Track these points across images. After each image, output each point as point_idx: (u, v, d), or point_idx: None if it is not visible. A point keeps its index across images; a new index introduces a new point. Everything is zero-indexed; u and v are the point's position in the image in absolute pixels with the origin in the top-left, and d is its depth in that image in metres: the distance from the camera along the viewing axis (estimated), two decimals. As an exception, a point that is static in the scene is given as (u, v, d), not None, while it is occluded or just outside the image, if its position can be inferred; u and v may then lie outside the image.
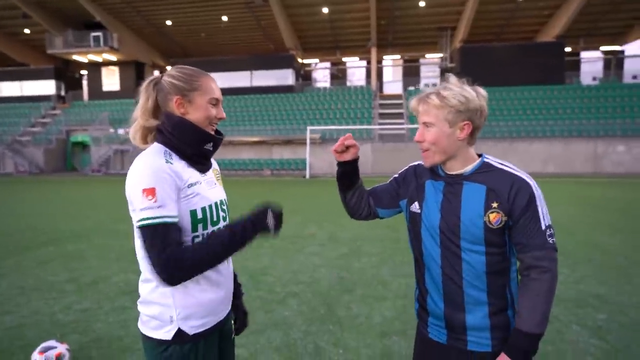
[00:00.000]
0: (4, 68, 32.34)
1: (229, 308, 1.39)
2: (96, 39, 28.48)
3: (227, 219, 1.37)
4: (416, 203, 1.38)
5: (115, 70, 31.86)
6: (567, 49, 27.63)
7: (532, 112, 23.88)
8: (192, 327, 1.24)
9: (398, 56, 33.73)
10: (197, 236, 1.23)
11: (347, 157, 1.45)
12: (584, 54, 31.35)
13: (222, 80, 29.74)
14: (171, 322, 1.22)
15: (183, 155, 1.26)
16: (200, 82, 1.27)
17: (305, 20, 28.20)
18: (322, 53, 33.38)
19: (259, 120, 26.45)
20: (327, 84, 34.04)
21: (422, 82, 32.43)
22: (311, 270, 4.84)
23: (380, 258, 5.34)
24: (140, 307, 1.27)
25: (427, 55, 33.12)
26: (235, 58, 30.37)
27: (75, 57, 30.33)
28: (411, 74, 33.33)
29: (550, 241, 1.21)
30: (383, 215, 1.53)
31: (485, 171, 1.28)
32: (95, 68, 31.96)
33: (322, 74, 36.27)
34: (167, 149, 1.24)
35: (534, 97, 24.75)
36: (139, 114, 1.29)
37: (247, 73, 29.63)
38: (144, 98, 1.29)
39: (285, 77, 29.36)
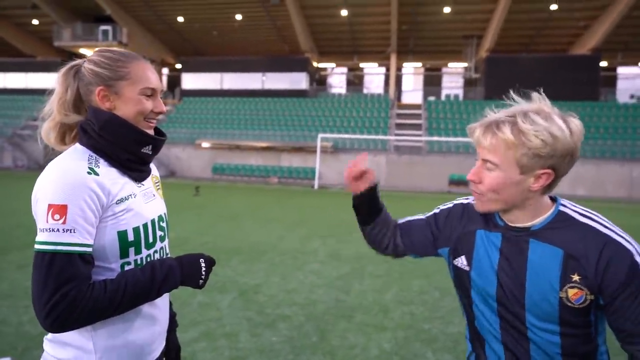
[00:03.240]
0: (9, 59, 33.21)
1: (164, 343, 1.23)
2: (105, 32, 29.09)
3: (166, 238, 1.21)
4: (462, 258, 1.13)
5: (123, 66, 32.39)
6: (603, 64, 27.18)
7: (562, 129, 23.44)
8: None
9: (419, 64, 33.63)
10: (128, 262, 1.06)
11: (362, 186, 1.25)
12: (621, 70, 30.81)
13: (233, 81, 30.08)
14: None
15: (114, 161, 1.08)
16: (128, 68, 1.09)
17: (323, 22, 28.37)
18: (338, 57, 33.48)
19: (268, 125, 26.52)
20: (343, 90, 34.07)
21: (444, 92, 32.22)
22: (308, 290, 4.67)
23: (384, 281, 5.14)
24: (48, 347, 1.08)
25: (450, 64, 32.95)
26: (247, 59, 30.67)
27: (83, 51, 30.95)
28: (432, 83, 33.19)
29: None
30: (415, 257, 1.30)
31: (562, 226, 1.00)
32: (102, 63, 32.53)
33: (337, 80, 36.35)
34: (92, 153, 1.06)
35: (564, 114, 24.29)
36: (56, 107, 1.12)
37: (259, 75, 29.87)
38: (61, 88, 1.12)
39: (299, 80, 29.49)
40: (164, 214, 1.23)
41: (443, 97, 30.26)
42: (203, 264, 1.12)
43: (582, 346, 1.01)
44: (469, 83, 31.09)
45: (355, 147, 23.96)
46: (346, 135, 23.13)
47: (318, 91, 30.79)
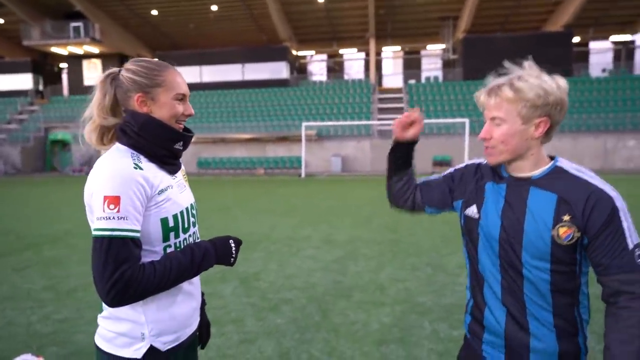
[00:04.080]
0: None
1: (199, 318, 1.40)
2: (76, 29, 28.29)
3: (197, 224, 1.36)
4: (474, 207, 1.30)
5: (97, 63, 31.63)
6: (576, 39, 27.76)
7: (539, 106, 23.99)
8: (164, 344, 1.22)
9: (398, 48, 33.76)
10: (169, 245, 1.21)
11: (408, 135, 1.43)
12: (593, 44, 31.52)
13: (212, 73, 29.72)
14: (142, 340, 1.19)
15: (152, 157, 1.22)
16: (163, 76, 1.22)
17: (300, 9, 28.15)
18: (318, 45, 33.35)
19: (251, 116, 26.40)
20: (324, 78, 34.05)
21: (424, 74, 32.48)
22: (306, 274, 4.84)
23: (379, 261, 5.35)
24: (104, 323, 1.23)
25: (428, 47, 33.17)
26: (225, 50, 30.30)
27: (54, 49, 30.10)
28: (412, 66, 33.39)
29: None
30: (430, 212, 1.48)
31: (558, 177, 1.18)
32: (76, 61, 31.72)
33: (318, 67, 36.27)
34: (133, 151, 1.20)
35: (541, 90, 24.80)
36: (96, 111, 1.24)
37: (238, 66, 29.58)
38: (100, 94, 1.24)
39: (279, 70, 29.33)
40: (194, 202, 1.39)
41: (423, 80, 30.53)
42: (233, 245, 1.29)
43: (567, 283, 1.18)
44: (447, 64, 31.40)
45: (339, 134, 24.10)
46: (330, 123, 23.22)
47: (299, 80, 30.68)
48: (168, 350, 1.22)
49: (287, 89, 28.39)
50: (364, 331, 3.34)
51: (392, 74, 34.26)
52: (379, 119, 25.08)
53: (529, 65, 1.20)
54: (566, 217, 1.13)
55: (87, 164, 25.82)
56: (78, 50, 30.12)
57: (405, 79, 31.11)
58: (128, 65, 1.25)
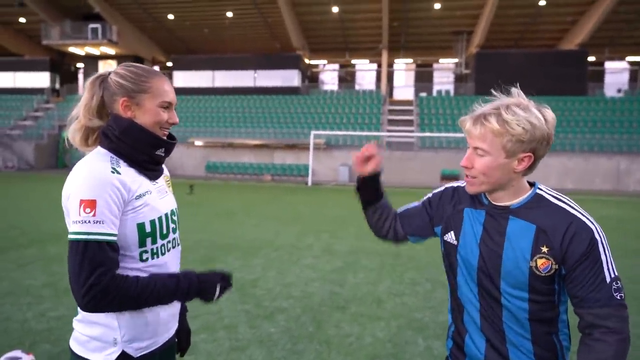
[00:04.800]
0: (-3, 58, 32.82)
1: (177, 325, 1.39)
2: (94, 31, 28.85)
3: (177, 230, 1.36)
4: (451, 233, 1.29)
5: (113, 64, 32.13)
6: (591, 59, 27.59)
7: (551, 123, 23.78)
8: (137, 350, 1.21)
9: (410, 60, 33.84)
10: (146, 251, 1.21)
11: (366, 169, 1.41)
12: (609, 64, 31.28)
13: (225, 79, 30.03)
14: (114, 345, 1.18)
15: (132, 162, 1.23)
16: (150, 83, 1.23)
17: (314, 19, 28.41)
18: (330, 54, 33.57)
19: (261, 122, 26.56)
20: (335, 87, 34.18)
21: (435, 88, 32.47)
22: (303, 283, 4.82)
23: (378, 274, 5.31)
24: (78, 326, 1.23)
25: (441, 60, 33.21)
26: (238, 56, 30.62)
27: (72, 49, 30.70)
28: (423, 79, 33.41)
29: (618, 296, 1.08)
30: (415, 241, 1.46)
31: (537, 206, 1.17)
32: (92, 61, 32.29)
33: (329, 76, 36.45)
34: (113, 155, 1.21)
35: (553, 109, 22.61)
36: (82, 112, 1.25)
37: (250, 72, 29.85)
38: (88, 95, 1.25)
39: (290, 78, 29.54)
40: (175, 208, 1.38)
41: (434, 93, 30.50)
42: (218, 289, 1.26)
43: (546, 312, 1.17)
44: (459, 79, 31.38)
45: (348, 144, 24.12)
46: (339, 132, 23.26)
47: (310, 88, 30.85)
48: (140, 356, 1.22)
49: (297, 96, 28.55)
50: (357, 345, 3.31)
51: (404, 86, 34.29)
52: (388, 131, 25.07)
53: (518, 94, 1.17)
54: (544, 249, 1.12)
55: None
56: (95, 51, 30.70)
57: (417, 91, 31.12)
58: (118, 69, 1.26)
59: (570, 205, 1.16)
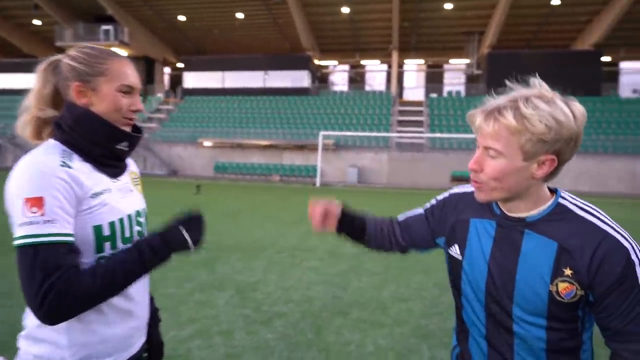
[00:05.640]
0: (11, 59, 33.34)
1: (144, 338, 1.22)
2: (106, 32, 29.15)
3: (144, 233, 1.19)
4: (456, 246, 1.11)
5: (125, 65, 32.50)
6: (606, 59, 27.01)
7: (565, 125, 23.34)
8: None
9: (421, 61, 33.54)
10: (104, 257, 1.05)
11: (331, 226, 1.28)
12: (624, 65, 30.59)
13: (235, 79, 30.08)
14: None
15: (88, 156, 1.07)
16: (107, 65, 1.08)
17: (324, 20, 28.31)
18: (340, 55, 33.43)
19: (270, 123, 26.52)
20: (345, 88, 34.03)
21: (446, 88, 32.12)
22: (305, 287, 4.66)
23: (383, 278, 5.13)
24: (22, 343, 1.06)
25: (451, 61, 32.84)
26: (249, 57, 30.66)
27: (85, 51, 31.03)
28: (434, 80, 33.08)
29: None
30: (421, 252, 1.30)
31: (559, 219, 0.97)
32: (104, 63, 32.63)
33: (340, 77, 36.32)
34: (65, 148, 1.05)
35: (567, 109, 24.14)
36: (33, 101, 1.11)
37: (260, 73, 29.86)
38: (40, 83, 1.11)
39: (300, 78, 29.48)
40: (143, 209, 1.22)
41: (445, 94, 30.16)
42: (184, 231, 1.08)
43: (567, 341, 0.98)
44: (470, 79, 30.99)
45: (357, 145, 23.93)
46: (348, 133, 23.08)
47: (320, 89, 30.76)
48: None
49: (307, 97, 28.46)
50: (357, 353, 3.13)
51: (414, 87, 33.99)
52: (398, 132, 24.83)
53: (539, 84, 0.97)
54: (568, 271, 0.92)
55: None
56: (107, 52, 30.94)
57: (427, 92, 30.81)
58: (71, 51, 1.12)
59: (600, 219, 0.95)
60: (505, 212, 1.02)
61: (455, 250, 1.11)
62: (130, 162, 1.24)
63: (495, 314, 1.01)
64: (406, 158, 22.88)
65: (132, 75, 1.11)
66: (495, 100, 0.98)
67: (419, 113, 26.88)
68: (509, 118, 0.91)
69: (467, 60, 29.79)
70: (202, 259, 5.74)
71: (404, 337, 3.43)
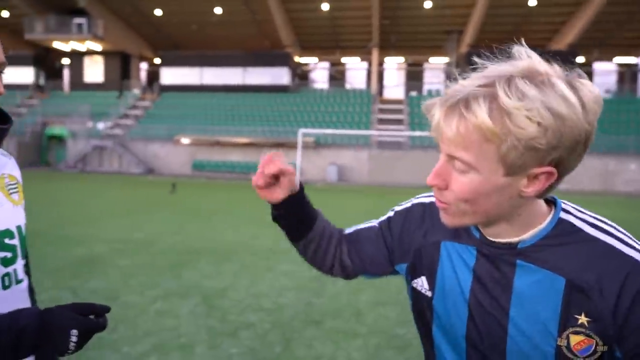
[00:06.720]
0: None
1: None
2: (79, 26, 28.07)
3: (17, 259, 0.88)
4: (423, 279, 0.80)
5: (99, 60, 31.44)
6: (580, 59, 27.51)
7: (541, 124, 23.75)
8: None
9: (401, 59, 33.56)
10: None
11: (277, 195, 0.86)
12: (597, 65, 31.28)
13: (213, 76, 29.44)
14: None
15: None
16: None
17: (304, 16, 27.96)
18: (320, 52, 33.14)
19: (249, 120, 26.06)
20: (325, 86, 33.77)
21: (426, 87, 32.23)
22: (277, 294, 4.38)
23: (360, 282, 4.87)
24: None
25: (431, 60, 32.96)
26: (227, 53, 30.05)
27: (56, 45, 29.89)
28: (414, 78, 33.17)
29: None
30: (370, 278, 0.94)
31: (563, 242, 0.67)
32: (77, 57, 31.52)
33: (320, 75, 36.05)
34: None
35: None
36: None
37: (239, 70, 29.30)
38: None
39: (280, 76, 29.04)
40: (18, 225, 0.92)
41: (425, 92, 30.24)
42: (73, 336, 0.74)
43: None
44: (450, 78, 31.15)
45: (338, 143, 23.73)
46: (328, 131, 22.83)
47: (300, 86, 30.40)
48: None
49: (287, 95, 28.08)
50: (329, 369, 2.88)
51: (394, 85, 33.99)
52: (379, 130, 24.73)
53: (528, 54, 0.65)
54: (582, 319, 0.63)
55: (81, 160, 25.40)
56: (80, 46, 29.90)
57: (407, 90, 30.84)
58: None
59: (621, 239, 0.66)
60: (487, 237, 0.72)
61: (422, 284, 0.80)
62: (6, 164, 0.94)
63: None
64: (387, 156, 22.80)
65: None
66: (462, 83, 0.66)
67: (399, 111, 26.84)
68: (482, 115, 0.59)
69: (447, 59, 29.93)
70: (169, 263, 5.40)
71: (379, 349, 3.19)
